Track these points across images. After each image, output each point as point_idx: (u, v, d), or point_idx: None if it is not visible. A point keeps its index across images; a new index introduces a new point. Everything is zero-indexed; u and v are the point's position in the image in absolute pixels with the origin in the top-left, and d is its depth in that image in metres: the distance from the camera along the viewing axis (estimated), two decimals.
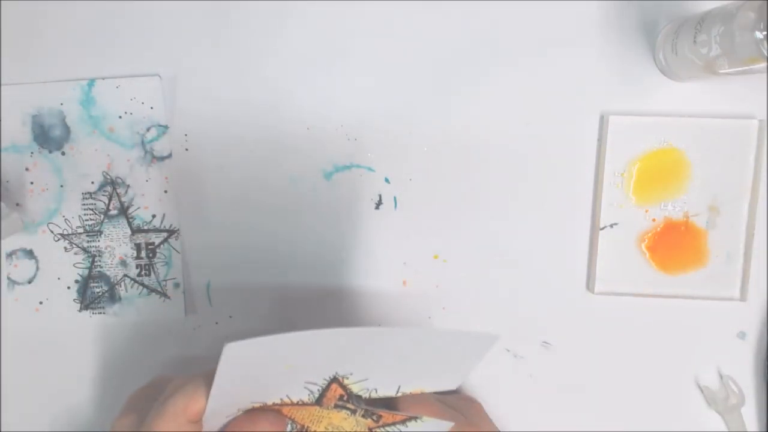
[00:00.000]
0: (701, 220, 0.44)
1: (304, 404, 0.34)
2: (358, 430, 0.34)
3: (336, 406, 0.34)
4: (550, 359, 0.45)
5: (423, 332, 0.36)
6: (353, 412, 0.34)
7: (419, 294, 0.45)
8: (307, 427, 0.34)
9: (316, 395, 0.33)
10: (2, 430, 0.46)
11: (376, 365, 0.32)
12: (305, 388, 0.33)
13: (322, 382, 0.33)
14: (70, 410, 0.46)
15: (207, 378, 0.32)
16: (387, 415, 0.34)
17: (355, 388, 0.33)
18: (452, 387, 0.35)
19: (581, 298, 0.45)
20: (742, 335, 0.45)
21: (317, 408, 0.34)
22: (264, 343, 0.28)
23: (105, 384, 0.46)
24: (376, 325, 0.45)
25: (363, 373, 0.33)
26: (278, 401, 0.33)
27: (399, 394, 0.34)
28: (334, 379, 0.33)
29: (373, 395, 0.34)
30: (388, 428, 0.34)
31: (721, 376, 0.45)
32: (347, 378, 0.33)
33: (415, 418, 0.34)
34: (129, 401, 0.37)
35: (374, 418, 0.34)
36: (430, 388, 0.35)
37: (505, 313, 0.45)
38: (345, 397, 0.33)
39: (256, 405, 0.34)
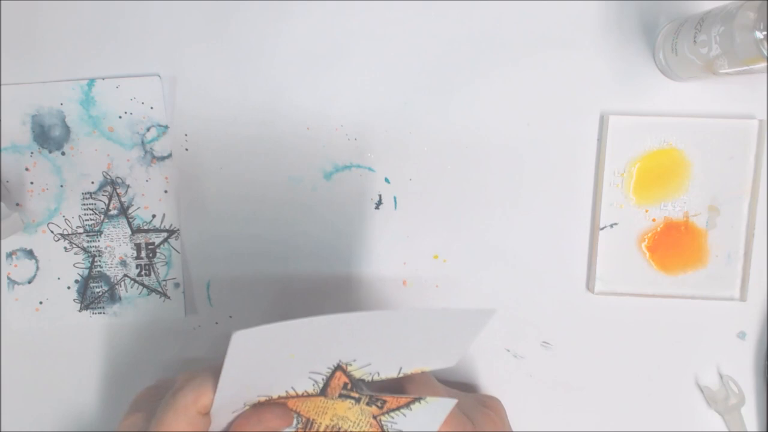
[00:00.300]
0: (701, 220, 0.44)
1: (309, 396, 0.34)
2: (363, 418, 0.34)
3: (341, 396, 0.34)
4: (550, 359, 0.45)
5: (422, 312, 0.36)
6: (357, 400, 0.34)
7: (419, 294, 0.45)
8: (313, 419, 0.34)
9: (321, 385, 0.33)
10: (2, 430, 0.46)
11: (377, 349, 0.33)
12: (310, 378, 0.33)
13: (326, 371, 0.33)
14: (70, 410, 0.46)
15: (214, 371, 0.32)
16: (392, 400, 0.34)
17: (359, 374, 0.34)
18: (451, 364, 0.35)
19: (581, 298, 0.45)
20: (742, 335, 0.45)
21: (322, 399, 0.34)
22: (271, 330, 0.29)
23: (105, 384, 0.46)
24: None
25: (366, 358, 0.33)
26: (284, 394, 0.34)
27: (401, 375, 0.35)
28: (338, 367, 0.33)
29: (376, 378, 0.34)
30: (392, 413, 0.35)
31: (721, 376, 0.45)
32: (350, 365, 0.33)
33: (419, 400, 0.34)
34: (135, 401, 0.37)
35: (378, 404, 0.34)
36: (430, 366, 0.35)
37: (505, 313, 0.45)
38: (349, 386, 0.34)
39: (262, 399, 0.34)
